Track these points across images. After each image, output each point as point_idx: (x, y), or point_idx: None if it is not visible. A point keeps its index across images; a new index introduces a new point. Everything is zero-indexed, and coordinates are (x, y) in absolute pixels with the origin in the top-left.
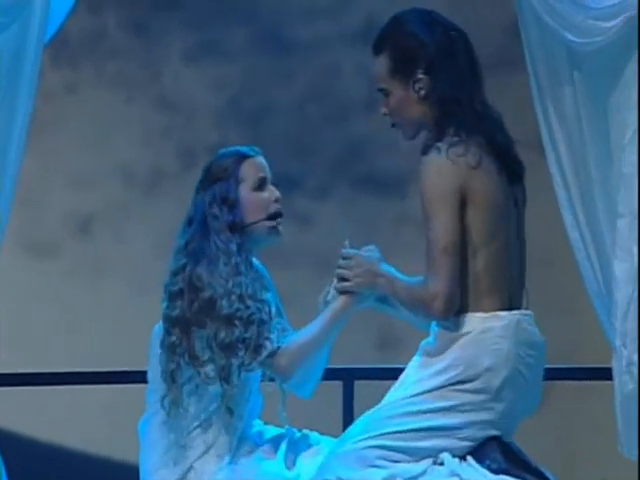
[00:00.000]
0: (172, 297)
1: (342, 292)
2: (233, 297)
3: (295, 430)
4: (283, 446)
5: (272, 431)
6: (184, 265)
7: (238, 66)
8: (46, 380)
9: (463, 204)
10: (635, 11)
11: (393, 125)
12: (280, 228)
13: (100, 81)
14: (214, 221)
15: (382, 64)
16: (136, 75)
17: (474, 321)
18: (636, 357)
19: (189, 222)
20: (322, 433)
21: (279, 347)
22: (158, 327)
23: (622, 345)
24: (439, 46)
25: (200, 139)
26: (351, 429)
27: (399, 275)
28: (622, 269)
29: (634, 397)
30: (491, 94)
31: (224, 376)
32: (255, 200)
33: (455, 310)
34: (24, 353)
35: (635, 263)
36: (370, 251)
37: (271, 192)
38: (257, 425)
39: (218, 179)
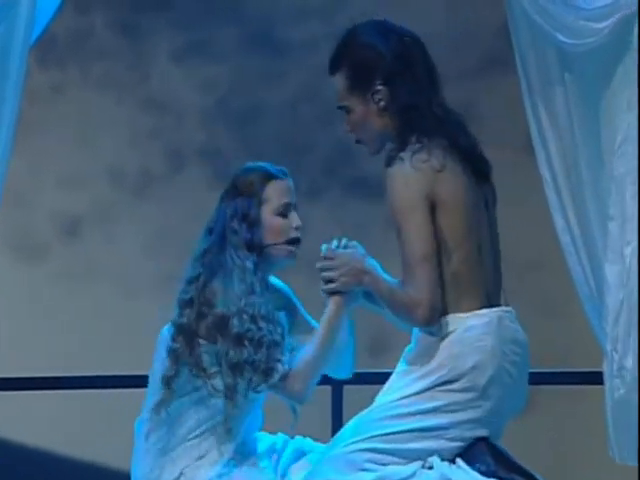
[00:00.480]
0: (182, 305)
1: (331, 293)
2: (245, 316)
3: (288, 437)
4: (275, 454)
5: (265, 438)
6: (198, 275)
7: (227, 66)
8: (34, 384)
9: (433, 209)
10: (627, 11)
11: (357, 141)
12: (294, 254)
13: (87, 82)
14: (233, 235)
15: (339, 82)
16: (124, 76)
17: (455, 321)
18: (627, 361)
19: (209, 231)
20: (312, 438)
21: (290, 369)
22: (166, 330)
23: (613, 349)
24: (395, 55)
25: (189, 140)
26: (340, 433)
27: (384, 275)
28: (613, 272)
29: (625, 401)
30: (483, 95)
31: (229, 395)
32: (276, 225)
33: (438, 317)
34: (11, 356)
35: (626, 266)
36: (353, 247)
37: (293, 219)
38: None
39: (242, 193)
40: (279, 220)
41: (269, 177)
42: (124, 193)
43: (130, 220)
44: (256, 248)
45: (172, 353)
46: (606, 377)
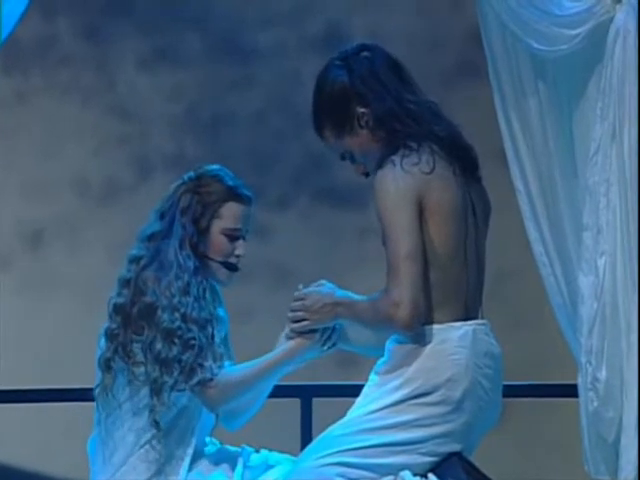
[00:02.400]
0: (122, 284)
1: (299, 333)
2: (177, 314)
3: (253, 449)
4: (239, 467)
5: (229, 450)
6: (141, 257)
7: (194, 73)
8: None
9: (420, 215)
10: (601, 19)
11: (367, 175)
12: (226, 277)
13: (52, 89)
14: (181, 230)
15: (329, 136)
16: (89, 82)
17: (430, 333)
18: (601, 374)
19: (160, 215)
20: (280, 451)
21: (212, 378)
22: None
23: (587, 362)
24: (359, 76)
25: (156, 149)
26: (310, 447)
27: (357, 297)
28: (587, 283)
29: (598, 414)
30: (453, 101)
31: (155, 390)
32: (219, 244)
33: (421, 318)
34: None
35: (600, 277)
36: (321, 285)
37: (238, 246)
38: (213, 444)
39: (201, 196)
40: (224, 241)
41: (232, 196)
42: (89, 202)
43: (95, 230)
44: (199, 253)
45: (109, 332)
46: (580, 390)
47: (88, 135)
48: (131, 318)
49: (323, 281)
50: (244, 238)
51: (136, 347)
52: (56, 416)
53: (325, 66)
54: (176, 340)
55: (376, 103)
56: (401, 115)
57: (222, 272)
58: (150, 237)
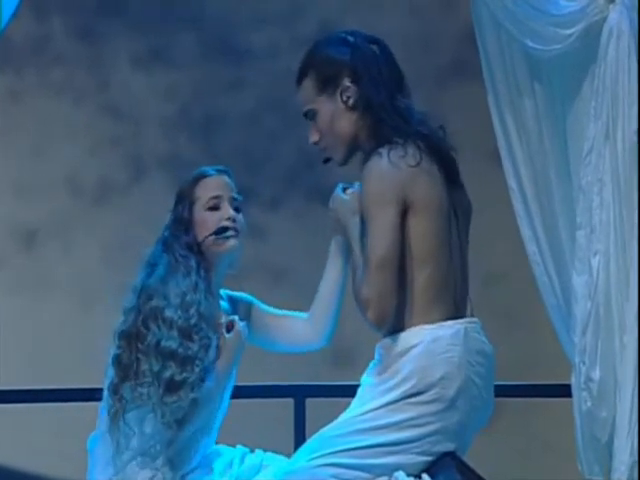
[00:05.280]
0: (125, 312)
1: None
2: (192, 311)
3: (247, 450)
4: (234, 467)
5: (224, 450)
6: (141, 286)
7: (188, 73)
8: None
9: (405, 212)
10: (595, 18)
11: (325, 160)
12: (228, 241)
13: (45, 88)
14: (175, 241)
15: (307, 86)
16: (83, 82)
17: (422, 333)
18: (594, 374)
19: (157, 242)
20: (273, 451)
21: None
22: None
23: (581, 361)
24: (360, 55)
25: (149, 149)
26: (304, 447)
27: (357, 249)
28: (580, 282)
29: (592, 414)
30: (447, 101)
31: (174, 387)
32: (205, 219)
33: (387, 323)
34: None
35: (594, 276)
36: (351, 192)
37: (225, 211)
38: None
39: (177, 202)
40: (208, 214)
41: (199, 178)
42: (82, 203)
43: (88, 230)
44: (194, 248)
45: (115, 359)
46: (574, 389)
47: (82, 135)
48: (137, 331)
49: (358, 184)
50: (236, 209)
51: (143, 366)
52: (49, 416)
53: (334, 33)
54: (194, 337)
55: (369, 89)
56: (390, 110)
57: (217, 242)
58: (148, 262)
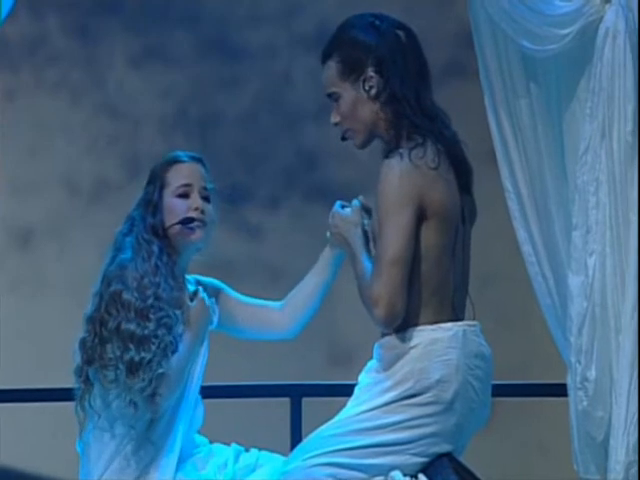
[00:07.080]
0: (92, 297)
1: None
2: (149, 292)
3: (242, 448)
4: (229, 466)
5: (219, 449)
6: (105, 266)
7: (184, 72)
8: None
9: (420, 214)
10: (590, 19)
11: (343, 138)
12: (194, 233)
13: (41, 87)
14: (141, 222)
15: (331, 67)
16: (79, 81)
17: (420, 334)
18: (590, 373)
19: (126, 220)
20: (270, 451)
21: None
22: None
23: (577, 361)
24: (388, 44)
25: (146, 148)
26: (300, 446)
27: (364, 255)
28: (576, 283)
29: (588, 414)
30: (442, 101)
31: (133, 368)
32: (173, 206)
33: (397, 322)
34: None
35: (590, 276)
36: (354, 207)
37: (193, 200)
38: (202, 443)
39: (148, 182)
40: (177, 201)
41: (172, 161)
42: (79, 201)
43: (85, 229)
44: (159, 233)
45: (81, 343)
46: (570, 389)
47: (78, 134)
48: (101, 316)
49: (357, 201)
50: (206, 199)
51: (109, 350)
52: (46, 416)
53: (362, 16)
54: (151, 317)
55: (392, 81)
56: (414, 105)
57: (183, 232)
58: (114, 243)
